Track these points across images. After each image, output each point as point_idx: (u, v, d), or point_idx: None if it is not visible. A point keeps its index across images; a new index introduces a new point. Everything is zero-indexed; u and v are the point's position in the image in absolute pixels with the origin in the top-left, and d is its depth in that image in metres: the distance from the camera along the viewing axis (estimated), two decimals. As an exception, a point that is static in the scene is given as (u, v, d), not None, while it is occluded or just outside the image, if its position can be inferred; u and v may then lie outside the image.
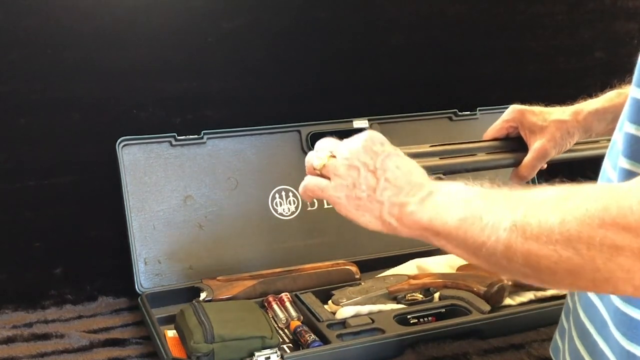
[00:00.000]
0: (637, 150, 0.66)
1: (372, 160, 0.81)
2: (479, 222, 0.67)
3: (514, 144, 1.12)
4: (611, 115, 1.04)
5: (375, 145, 0.82)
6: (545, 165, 1.12)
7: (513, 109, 1.11)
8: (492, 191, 0.70)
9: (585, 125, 1.06)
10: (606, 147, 0.76)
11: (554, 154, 1.08)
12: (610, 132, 1.03)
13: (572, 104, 1.09)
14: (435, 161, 1.05)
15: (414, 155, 1.02)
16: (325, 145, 0.87)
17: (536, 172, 1.10)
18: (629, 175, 0.66)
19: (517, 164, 1.10)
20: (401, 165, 0.81)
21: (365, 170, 0.80)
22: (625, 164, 0.68)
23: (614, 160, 0.71)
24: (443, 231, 0.72)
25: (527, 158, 1.08)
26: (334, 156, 0.84)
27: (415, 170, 0.81)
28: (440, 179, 0.99)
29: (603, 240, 0.58)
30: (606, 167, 0.74)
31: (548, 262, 0.62)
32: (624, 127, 0.68)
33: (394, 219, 0.77)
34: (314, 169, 0.86)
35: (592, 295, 0.76)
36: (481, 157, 1.11)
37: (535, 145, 1.08)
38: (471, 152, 1.11)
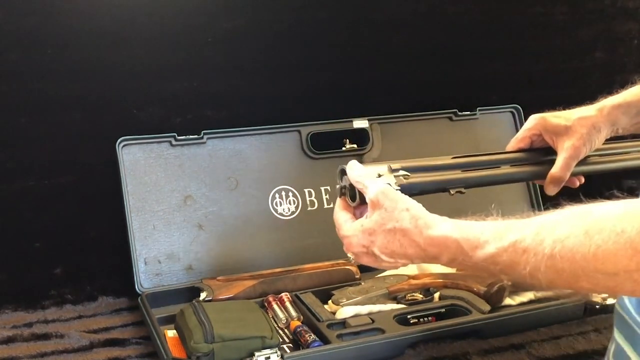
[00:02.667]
0: None
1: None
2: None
3: (539, 154, 1.08)
4: (635, 110, 1.02)
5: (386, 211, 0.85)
6: (583, 179, 1.09)
7: (533, 117, 1.07)
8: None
9: (611, 120, 1.03)
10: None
11: (586, 152, 1.04)
12: (635, 126, 1.03)
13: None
14: (457, 174, 1.01)
15: (434, 168, 1.00)
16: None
17: (570, 173, 1.05)
18: None
19: (542, 176, 1.05)
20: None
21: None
22: None
23: None
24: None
25: (560, 159, 1.04)
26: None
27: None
28: (461, 192, 0.99)
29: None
30: None
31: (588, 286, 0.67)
32: None
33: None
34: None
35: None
36: (505, 169, 1.06)
37: (566, 144, 1.03)
38: (495, 165, 1.06)
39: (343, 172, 0.95)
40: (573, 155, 1.03)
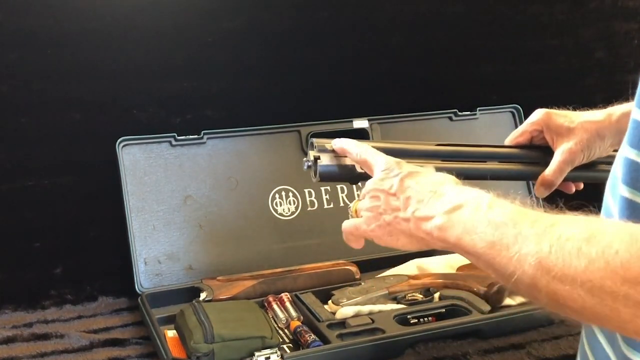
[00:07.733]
0: (637, 178, 0.63)
1: (391, 183, 0.81)
2: (506, 252, 0.65)
3: (534, 153, 1.02)
4: None
5: (393, 170, 0.82)
6: (582, 185, 1.04)
7: (539, 111, 1.02)
8: (520, 214, 0.67)
9: (620, 127, 0.97)
10: None
11: (583, 159, 0.99)
12: None
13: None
14: (435, 163, 0.95)
15: (411, 154, 0.95)
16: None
17: (562, 178, 1.00)
18: (629, 205, 0.64)
19: (534, 177, 1.00)
20: (420, 179, 0.80)
21: (386, 195, 0.81)
22: (625, 192, 0.65)
23: (614, 188, 0.68)
24: (472, 252, 0.71)
25: (554, 161, 0.99)
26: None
27: (436, 180, 0.79)
28: None
29: (627, 296, 0.56)
30: (607, 197, 0.71)
31: (574, 304, 0.60)
32: (624, 152, 0.65)
33: (424, 233, 0.76)
34: (351, 216, 0.89)
35: (600, 338, 0.73)
36: (492, 165, 1.00)
37: (563, 147, 0.98)
38: (481, 158, 1.00)
39: (312, 146, 0.93)
40: (567, 160, 0.98)
